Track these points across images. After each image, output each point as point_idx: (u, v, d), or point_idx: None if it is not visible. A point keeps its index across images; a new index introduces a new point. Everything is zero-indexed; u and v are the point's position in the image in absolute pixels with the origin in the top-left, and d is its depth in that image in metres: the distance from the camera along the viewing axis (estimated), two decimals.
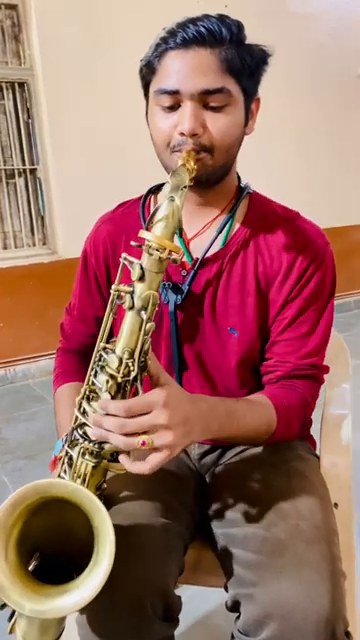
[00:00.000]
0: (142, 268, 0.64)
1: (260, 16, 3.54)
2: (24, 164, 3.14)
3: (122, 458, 0.64)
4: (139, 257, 0.65)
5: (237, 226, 0.86)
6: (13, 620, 0.72)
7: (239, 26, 0.75)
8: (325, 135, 4.12)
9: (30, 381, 3.20)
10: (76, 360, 0.98)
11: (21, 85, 3.06)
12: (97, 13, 3.10)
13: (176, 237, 0.85)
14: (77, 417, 0.68)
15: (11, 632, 0.73)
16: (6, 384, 3.16)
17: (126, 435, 0.61)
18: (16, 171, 3.14)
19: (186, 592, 0.76)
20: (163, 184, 0.92)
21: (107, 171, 3.21)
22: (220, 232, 0.84)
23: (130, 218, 0.90)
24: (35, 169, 3.17)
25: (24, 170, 3.16)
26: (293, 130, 3.88)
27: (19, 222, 3.18)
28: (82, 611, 0.67)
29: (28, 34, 3.02)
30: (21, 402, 2.90)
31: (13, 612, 0.73)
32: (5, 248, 3.16)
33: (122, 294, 0.65)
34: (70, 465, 0.69)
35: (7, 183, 3.12)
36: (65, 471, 0.69)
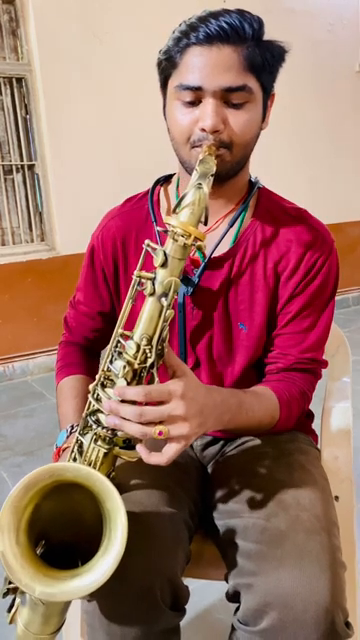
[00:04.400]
0: (165, 254, 0.63)
1: (258, 12, 3.53)
2: (22, 160, 3.14)
3: (140, 448, 0.64)
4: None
5: (247, 222, 0.86)
6: (13, 611, 0.72)
7: (260, 22, 0.75)
8: (324, 131, 4.12)
9: (28, 378, 3.20)
10: (79, 353, 0.98)
11: (19, 80, 3.05)
12: (95, 8, 3.09)
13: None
14: (90, 404, 0.68)
15: (11, 622, 0.73)
16: (4, 381, 3.15)
17: (143, 424, 0.62)
18: (14, 167, 3.13)
19: (188, 586, 0.76)
20: (171, 176, 0.92)
21: (105, 167, 3.20)
22: (232, 225, 0.84)
23: (140, 213, 0.90)
24: (33, 165, 3.16)
25: (22, 166, 3.15)
26: (292, 126, 3.87)
27: (17, 218, 3.17)
28: (91, 598, 0.68)
29: (26, 29, 3.01)
30: (20, 399, 2.90)
31: (12, 602, 0.73)
32: (3, 244, 3.16)
33: (143, 280, 0.65)
34: (80, 453, 0.69)
35: (5, 179, 3.11)
36: (75, 459, 0.69)
